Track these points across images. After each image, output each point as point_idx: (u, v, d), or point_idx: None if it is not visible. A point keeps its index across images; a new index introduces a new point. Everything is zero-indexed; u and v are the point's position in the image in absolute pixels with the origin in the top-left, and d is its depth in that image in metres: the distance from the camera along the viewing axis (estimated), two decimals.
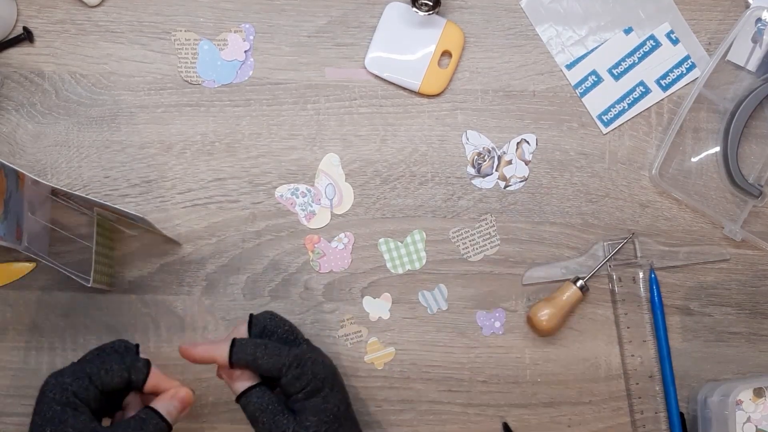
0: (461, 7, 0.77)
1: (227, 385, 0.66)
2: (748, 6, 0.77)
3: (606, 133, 0.78)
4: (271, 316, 0.68)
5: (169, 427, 0.63)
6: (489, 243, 0.77)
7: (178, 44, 0.76)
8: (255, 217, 0.76)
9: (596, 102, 0.77)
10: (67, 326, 0.75)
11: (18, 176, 0.67)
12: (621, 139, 0.78)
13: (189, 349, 0.65)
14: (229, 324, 0.75)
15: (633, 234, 0.77)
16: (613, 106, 0.77)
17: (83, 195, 0.68)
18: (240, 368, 0.64)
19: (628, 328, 0.77)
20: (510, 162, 0.76)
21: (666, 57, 0.77)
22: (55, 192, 0.73)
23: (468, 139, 0.74)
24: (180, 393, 0.65)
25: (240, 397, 0.64)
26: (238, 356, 0.63)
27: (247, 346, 0.64)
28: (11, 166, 0.65)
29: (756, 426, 0.72)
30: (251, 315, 0.68)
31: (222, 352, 0.64)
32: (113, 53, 0.76)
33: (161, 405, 0.64)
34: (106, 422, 0.64)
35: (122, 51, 0.76)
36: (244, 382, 0.64)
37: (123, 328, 0.75)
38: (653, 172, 0.76)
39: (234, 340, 0.64)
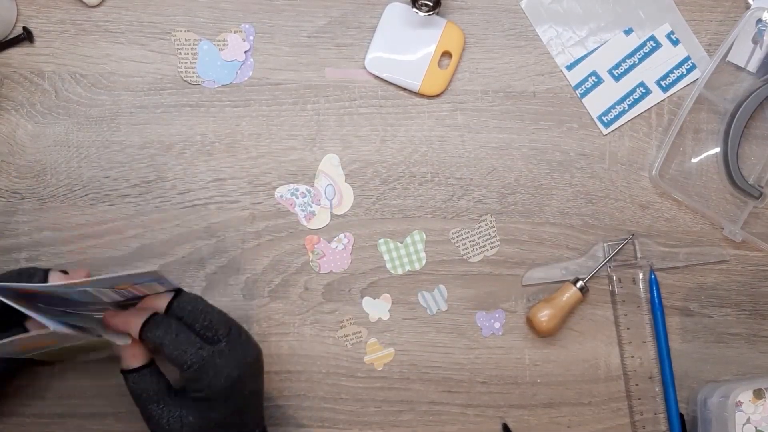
0: (461, 8, 0.77)
1: (117, 352, 0.65)
2: (748, 7, 0.77)
3: (606, 134, 0.77)
4: (194, 304, 0.64)
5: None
6: (489, 244, 0.77)
7: (177, 44, 0.76)
8: (255, 218, 0.76)
9: (596, 103, 0.77)
10: None
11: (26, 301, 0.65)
12: (621, 140, 0.78)
13: (109, 317, 0.64)
14: None
15: (633, 235, 0.77)
16: (613, 106, 0.77)
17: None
18: (147, 344, 0.64)
19: (627, 329, 0.77)
20: None
21: (666, 58, 0.77)
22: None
23: None
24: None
25: (123, 373, 0.65)
26: (147, 335, 0.62)
27: (160, 328, 0.62)
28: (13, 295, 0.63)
29: (756, 427, 0.72)
30: (177, 291, 0.65)
31: (135, 325, 0.62)
32: (113, 53, 0.76)
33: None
34: None
35: (122, 51, 0.76)
36: (135, 359, 0.64)
37: None
38: (653, 173, 0.76)
39: (149, 318, 0.62)
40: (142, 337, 0.62)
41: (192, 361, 0.61)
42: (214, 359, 0.62)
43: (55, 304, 0.65)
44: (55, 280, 0.65)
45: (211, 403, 0.62)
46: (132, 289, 0.64)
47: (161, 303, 0.64)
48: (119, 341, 0.64)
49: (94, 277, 0.60)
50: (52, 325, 0.60)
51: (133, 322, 0.63)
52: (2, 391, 0.73)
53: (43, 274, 0.66)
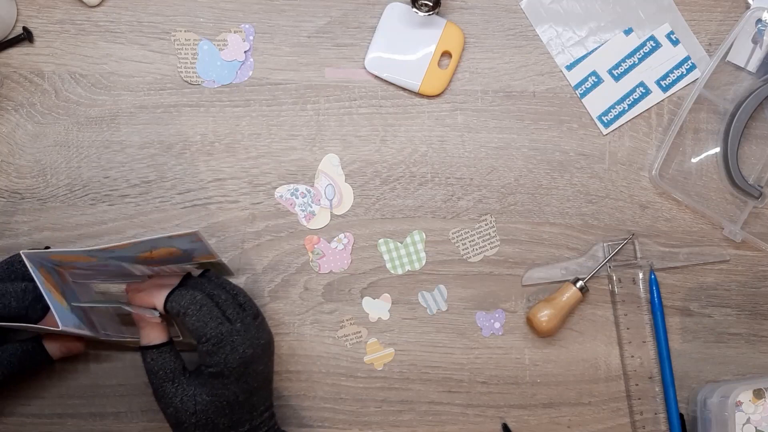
0: (461, 8, 0.77)
1: (138, 327, 0.67)
2: (748, 7, 0.77)
3: (606, 134, 0.77)
4: (218, 281, 0.68)
5: (52, 361, 0.68)
6: (489, 244, 0.77)
7: (177, 44, 0.76)
8: (255, 218, 0.76)
9: (596, 103, 0.77)
10: None
11: (58, 273, 0.67)
12: (621, 139, 0.78)
13: (133, 290, 0.67)
14: None
15: (633, 235, 0.77)
16: (613, 106, 0.77)
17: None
18: (169, 317, 0.66)
19: (627, 329, 0.77)
20: None
21: (666, 58, 0.77)
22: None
23: None
24: (70, 344, 0.69)
25: (142, 349, 0.66)
26: (172, 304, 0.64)
27: (185, 299, 0.64)
28: (49, 264, 0.66)
29: (755, 427, 0.72)
30: (205, 271, 0.68)
31: (161, 296, 0.65)
32: (113, 53, 0.76)
33: (50, 345, 0.68)
34: None
35: (122, 51, 0.76)
36: (157, 335, 0.66)
37: None
38: (653, 172, 0.76)
39: (174, 289, 0.65)
40: (167, 307, 0.64)
41: (211, 335, 0.63)
42: (231, 336, 0.64)
43: (89, 276, 0.69)
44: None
45: (224, 381, 0.64)
46: (165, 268, 0.67)
47: (178, 280, 0.67)
48: (149, 315, 0.65)
49: (135, 240, 0.62)
50: (61, 324, 0.62)
51: (158, 294, 0.65)
52: (2, 391, 0.73)
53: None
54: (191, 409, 0.64)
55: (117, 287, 0.74)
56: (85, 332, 0.66)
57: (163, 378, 0.65)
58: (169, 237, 0.62)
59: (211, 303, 0.65)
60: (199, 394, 0.64)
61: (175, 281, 0.66)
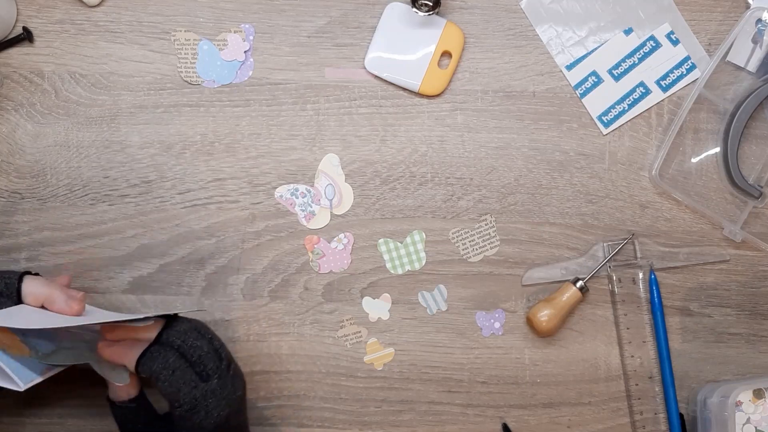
0: (461, 8, 0.77)
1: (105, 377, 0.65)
2: (748, 7, 0.77)
3: (606, 134, 0.77)
4: (185, 337, 0.63)
5: None
6: (489, 244, 0.77)
7: (177, 44, 0.76)
8: (254, 218, 0.76)
9: (596, 103, 0.77)
10: None
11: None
12: (621, 139, 0.78)
13: (103, 349, 0.63)
14: (228, 324, 0.75)
15: (633, 235, 0.77)
16: (613, 106, 0.77)
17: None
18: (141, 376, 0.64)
19: (627, 328, 0.77)
20: None
21: (666, 58, 0.77)
22: None
23: None
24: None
25: (110, 402, 0.66)
26: (143, 368, 0.61)
27: (156, 362, 0.61)
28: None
29: (755, 427, 0.72)
30: (171, 317, 0.64)
31: (132, 357, 0.62)
32: (113, 53, 0.76)
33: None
34: None
35: (122, 51, 0.76)
36: (126, 392, 0.65)
37: None
38: (653, 172, 0.76)
39: (145, 351, 0.62)
40: (138, 370, 0.62)
41: (184, 401, 0.61)
42: (206, 400, 0.61)
43: (45, 335, 0.64)
44: (29, 285, 0.63)
45: None
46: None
47: (153, 333, 0.63)
48: (118, 380, 0.63)
49: (85, 319, 0.59)
50: (23, 385, 0.60)
51: (130, 354, 0.62)
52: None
53: (18, 278, 0.63)
54: None
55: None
56: (53, 372, 0.63)
57: (132, 431, 0.64)
58: (125, 320, 0.60)
59: (185, 364, 0.61)
60: None
61: (152, 335, 0.63)
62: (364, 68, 0.76)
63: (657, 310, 0.76)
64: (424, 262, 0.77)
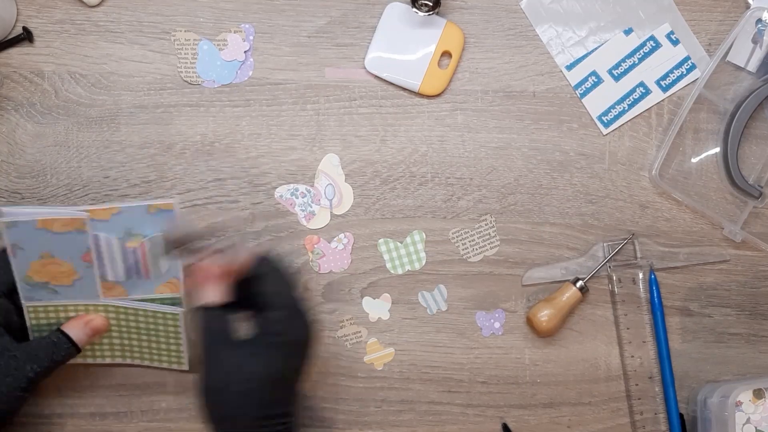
0: (461, 8, 0.77)
1: (190, 288, 0.66)
2: (748, 7, 0.77)
3: (606, 134, 0.77)
4: (279, 276, 0.64)
5: (78, 350, 0.68)
6: (489, 244, 0.77)
7: (177, 44, 0.76)
8: (255, 218, 0.76)
9: (596, 103, 0.77)
10: None
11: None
12: (621, 139, 0.78)
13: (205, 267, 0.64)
14: None
15: (633, 235, 0.77)
16: (613, 106, 0.77)
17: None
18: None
19: (627, 329, 0.77)
20: None
21: (666, 58, 0.77)
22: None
23: None
24: (94, 322, 0.69)
25: (200, 309, 0.63)
26: (262, 261, 0.63)
27: (270, 264, 0.63)
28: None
29: (755, 427, 0.72)
30: (261, 257, 0.65)
31: (243, 257, 0.63)
32: (113, 53, 0.76)
33: (73, 331, 0.67)
34: None
35: (122, 51, 0.76)
36: (218, 294, 0.63)
37: None
38: (653, 172, 0.76)
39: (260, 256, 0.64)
40: (254, 264, 0.63)
41: (286, 303, 0.62)
42: (301, 311, 0.63)
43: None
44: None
45: (279, 354, 0.61)
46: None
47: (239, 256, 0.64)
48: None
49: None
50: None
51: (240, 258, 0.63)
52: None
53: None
54: (239, 377, 0.60)
55: None
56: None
57: (215, 340, 0.62)
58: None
59: (289, 273, 0.64)
60: (252, 364, 0.61)
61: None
62: (364, 68, 0.76)
63: (657, 310, 0.76)
64: (424, 262, 0.77)
